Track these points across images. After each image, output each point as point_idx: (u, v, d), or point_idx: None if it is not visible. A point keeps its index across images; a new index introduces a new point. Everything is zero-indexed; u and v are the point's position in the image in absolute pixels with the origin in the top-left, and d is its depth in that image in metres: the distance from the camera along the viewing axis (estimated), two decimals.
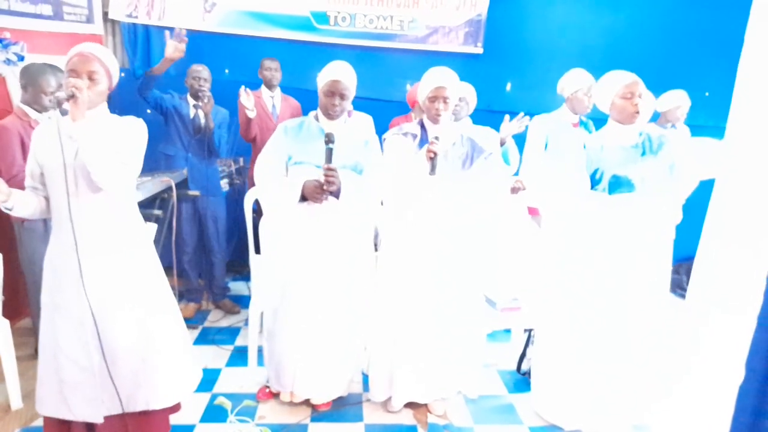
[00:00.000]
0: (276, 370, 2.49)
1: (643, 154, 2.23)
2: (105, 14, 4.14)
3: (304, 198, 2.24)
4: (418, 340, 2.38)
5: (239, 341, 3.24)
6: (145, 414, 2.03)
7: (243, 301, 3.68)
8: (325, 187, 2.18)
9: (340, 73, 2.27)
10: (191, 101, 3.41)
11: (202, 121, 3.37)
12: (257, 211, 3.01)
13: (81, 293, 1.84)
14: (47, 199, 1.91)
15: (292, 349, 2.40)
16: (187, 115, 3.40)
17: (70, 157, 1.79)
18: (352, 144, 2.35)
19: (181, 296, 3.56)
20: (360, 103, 3.53)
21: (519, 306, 2.82)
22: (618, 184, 2.19)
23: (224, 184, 3.90)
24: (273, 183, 2.32)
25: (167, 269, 2.89)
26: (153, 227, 2.75)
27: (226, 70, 4.29)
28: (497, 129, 3.01)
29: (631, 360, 2.28)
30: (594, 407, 2.33)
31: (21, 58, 3.15)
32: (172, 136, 3.41)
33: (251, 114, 3.37)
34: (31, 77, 2.56)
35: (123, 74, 4.03)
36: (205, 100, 3.29)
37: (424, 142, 2.31)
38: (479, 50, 4.27)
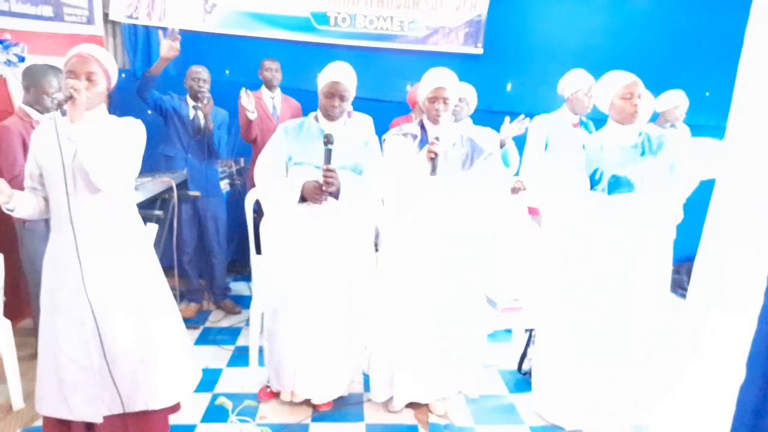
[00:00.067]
0: (276, 370, 2.49)
1: (643, 154, 2.24)
2: (105, 15, 4.14)
3: (303, 199, 2.25)
4: (418, 340, 2.38)
5: (240, 341, 3.24)
6: (144, 414, 2.03)
7: (244, 302, 3.69)
8: (324, 188, 2.18)
9: (339, 74, 2.27)
10: (191, 102, 3.41)
11: (202, 122, 3.37)
12: (258, 212, 3.01)
13: (81, 293, 1.85)
14: (46, 199, 1.91)
15: (292, 349, 2.41)
16: (186, 116, 3.40)
17: (69, 158, 1.79)
18: (351, 145, 2.35)
19: (182, 296, 3.56)
20: (360, 104, 3.53)
21: (520, 306, 2.82)
22: (617, 185, 2.19)
23: (225, 184, 3.91)
24: (273, 183, 2.32)
25: (168, 270, 2.90)
26: (154, 228, 2.75)
27: (227, 71, 4.30)
28: (498, 129, 3.02)
29: (632, 360, 2.28)
30: (594, 407, 2.33)
31: (21, 59, 3.15)
32: (171, 138, 3.41)
33: (252, 116, 3.37)
34: (34, 78, 2.56)
35: (123, 75, 4.09)
36: (205, 101, 3.30)
37: (424, 143, 2.32)
38: (479, 51, 4.27)
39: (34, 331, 2.80)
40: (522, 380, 2.86)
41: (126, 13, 4.15)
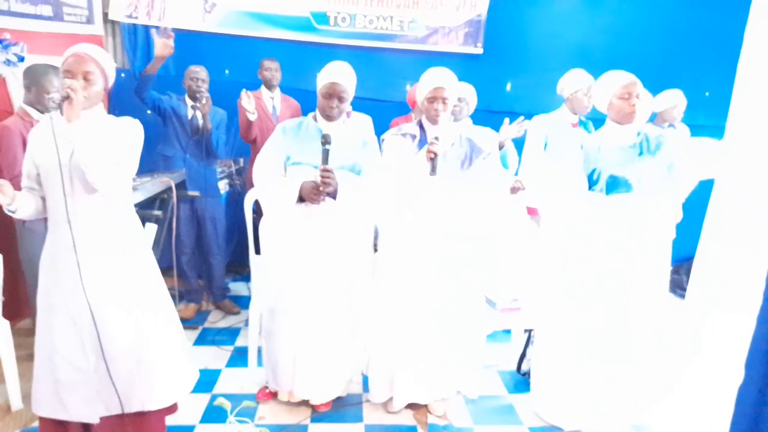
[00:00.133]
0: (274, 370, 2.49)
1: (641, 154, 2.23)
2: (105, 15, 4.14)
3: (301, 199, 2.24)
4: (418, 341, 2.38)
5: (239, 342, 3.24)
6: (140, 415, 2.03)
7: (243, 302, 3.68)
8: (321, 188, 2.18)
9: (338, 75, 2.26)
10: (189, 102, 3.41)
11: (200, 122, 3.37)
12: (257, 212, 3.01)
13: (79, 293, 1.84)
14: (44, 198, 1.91)
15: (290, 349, 2.40)
16: (185, 116, 3.40)
17: (66, 158, 1.79)
18: (350, 145, 2.35)
19: (181, 297, 3.56)
20: (360, 104, 3.53)
21: (519, 306, 2.82)
22: (615, 185, 2.19)
23: (224, 184, 3.90)
24: (271, 183, 2.32)
25: (167, 270, 2.90)
26: (153, 228, 2.75)
27: (226, 71, 4.29)
28: (497, 129, 3.01)
29: (631, 360, 2.28)
30: (593, 407, 2.33)
31: (21, 59, 3.15)
32: (170, 138, 3.41)
33: (252, 117, 3.37)
34: (35, 78, 2.56)
35: (123, 75, 4.08)
36: (203, 101, 3.29)
37: (423, 143, 2.31)
38: (479, 50, 4.27)
39: (33, 332, 2.79)
40: (521, 381, 2.86)
41: (125, 12, 4.15)
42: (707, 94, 4.16)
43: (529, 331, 2.87)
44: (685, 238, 2.57)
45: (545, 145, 3.29)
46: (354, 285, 2.43)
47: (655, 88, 3.43)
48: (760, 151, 1.18)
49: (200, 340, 3.27)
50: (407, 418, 2.52)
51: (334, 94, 2.26)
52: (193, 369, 2.23)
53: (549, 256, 2.46)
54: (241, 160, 4.24)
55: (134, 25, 4.19)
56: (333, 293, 2.37)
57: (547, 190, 2.54)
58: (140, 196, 2.67)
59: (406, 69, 4.21)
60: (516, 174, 3.28)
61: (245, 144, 3.68)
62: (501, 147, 3.03)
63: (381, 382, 2.48)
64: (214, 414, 2.44)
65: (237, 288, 4.03)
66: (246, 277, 4.05)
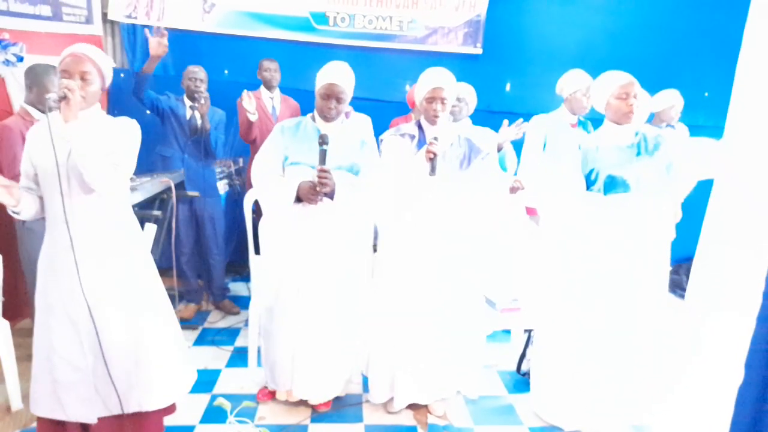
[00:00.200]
0: (272, 369, 2.49)
1: (639, 154, 2.23)
2: (104, 15, 4.14)
3: (299, 199, 2.24)
4: (418, 341, 2.38)
5: (239, 342, 3.24)
6: (138, 415, 2.03)
7: (243, 302, 3.68)
8: (318, 189, 2.18)
9: (336, 75, 2.26)
10: (188, 102, 3.40)
11: (199, 122, 3.37)
12: (257, 212, 3.01)
13: (77, 293, 1.84)
14: (42, 198, 1.91)
15: (288, 348, 2.40)
16: (183, 116, 3.39)
17: (63, 158, 1.79)
18: (348, 145, 2.35)
19: (181, 297, 3.56)
20: (359, 104, 3.53)
21: (519, 306, 2.82)
22: (613, 185, 2.19)
23: (224, 185, 3.90)
24: (269, 183, 2.32)
25: (167, 270, 2.90)
26: (153, 228, 2.75)
27: (226, 71, 4.29)
28: (497, 129, 3.02)
29: (631, 360, 2.28)
30: (593, 407, 2.33)
31: (20, 59, 3.15)
32: (168, 138, 3.41)
33: (253, 117, 3.37)
34: (36, 77, 2.57)
35: (122, 75, 4.08)
36: (202, 101, 3.29)
37: (421, 143, 2.32)
38: (478, 51, 4.28)
39: (32, 332, 2.80)
40: (521, 381, 2.86)
41: (125, 12, 4.15)
42: (707, 94, 4.16)
43: (529, 331, 2.87)
44: (685, 238, 2.57)
45: (544, 145, 3.29)
46: (353, 285, 2.43)
47: (654, 88, 3.43)
48: (759, 151, 1.18)
49: (200, 341, 3.27)
50: (407, 419, 2.52)
51: (332, 95, 2.26)
52: (191, 369, 2.22)
53: (548, 257, 2.46)
54: (241, 161, 4.24)
55: (133, 25, 4.19)
56: (331, 293, 2.37)
57: (545, 190, 2.54)
58: (140, 197, 2.66)
59: (405, 69, 4.21)
60: (515, 174, 3.29)
61: (245, 144, 3.67)
62: (499, 149, 3.03)
63: (381, 382, 2.48)
64: (213, 414, 2.44)
65: (237, 288, 4.03)
66: (246, 278, 4.05)
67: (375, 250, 2.66)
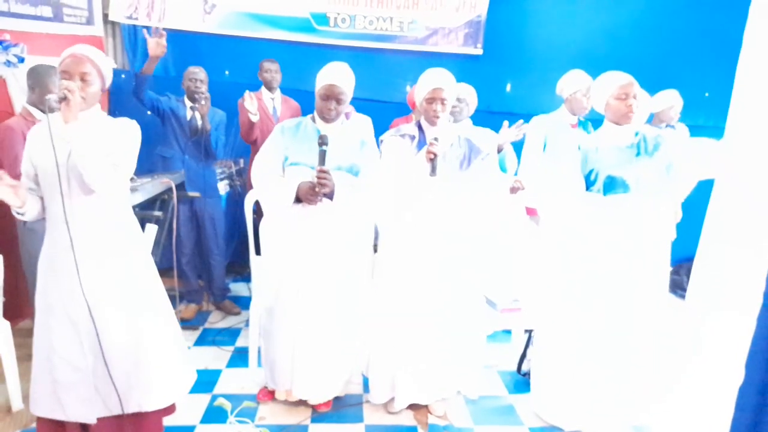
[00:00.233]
0: (271, 369, 2.49)
1: (638, 154, 2.23)
2: (105, 16, 4.15)
3: (299, 199, 2.25)
4: (418, 342, 2.38)
5: (240, 342, 3.24)
6: (137, 415, 2.03)
7: (243, 302, 3.68)
8: (317, 189, 2.18)
9: (336, 77, 2.26)
10: (188, 103, 3.41)
11: (199, 122, 3.37)
12: (258, 213, 3.01)
13: (77, 293, 1.85)
14: (42, 198, 1.91)
15: (287, 348, 2.40)
16: (183, 117, 3.40)
17: (63, 159, 1.79)
18: (348, 145, 2.35)
19: (182, 297, 3.56)
20: (360, 105, 3.53)
21: (519, 307, 2.82)
22: (612, 185, 2.19)
23: (224, 185, 3.90)
24: (269, 184, 2.32)
25: (168, 270, 2.90)
26: (154, 228, 2.75)
27: (226, 72, 4.30)
28: (497, 130, 3.02)
29: (631, 361, 2.28)
30: (593, 408, 2.33)
31: (21, 60, 3.15)
32: (169, 139, 3.41)
33: (255, 118, 3.37)
34: (39, 78, 2.57)
35: (123, 76, 4.09)
36: (202, 102, 3.29)
37: (421, 144, 2.32)
38: (479, 51, 4.28)
39: (33, 332, 2.81)
40: (521, 381, 2.86)
41: (126, 13, 4.16)
42: (707, 94, 4.16)
43: (530, 331, 2.87)
44: (685, 239, 2.57)
45: (544, 145, 3.29)
46: (352, 285, 2.43)
47: (655, 88, 3.43)
48: (760, 151, 1.18)
49: (201, 341, 3.27)
50: (408, 419, 2.52)
51: (331, 96, 2.26)
52: (190, 370, 2.22)
53: (548, 257, 2.46)
54: (242, 161, 4.24)
55: (134, 26, 4.19)
56: (331, 293, 2.37)
57: (545, 190, 2.54)
58: (141, 197, 2.67)
59: (406, 70, 4.21)
60: (515, 174, 3.29)
61: (245, 145, 3.67)
62: (499, 150, 3.03)
63: (381, 382, 2.48)
64: (214, 414, 2.44)
65: (237, 288, 4.03)
66: (246, 278, 4.05)
67: (376, 251, 2.66)
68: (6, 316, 2.44)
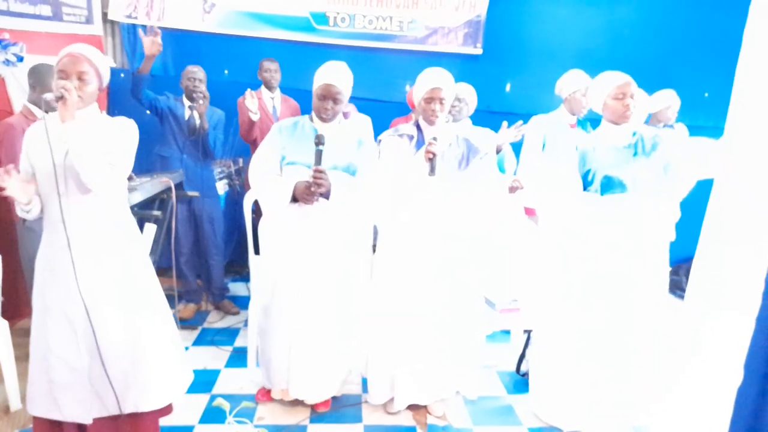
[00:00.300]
0: (267, 368, 2.49)
1: (636, 154, 2.23)
2: (104, 15, 4.15)
3: (296, 199, 2.24)
4: (417, 342, 2.38)
5: (238, 342, 3.23)
6: (134, 416, 2.02)
7: (242, 302, 3.68)
8: (313, 189, 2.18)
9: (333, 76, 2.26)
10: (186, 102, 3.40)
11: (197, 122, 3.36)
12: (257, 212, 3.01)
13: (74, 293, 1.84)
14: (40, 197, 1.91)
15: (284, 347, 2.40)
16: (182, 116, 3.39)
17: (60, 158, 1.78)
18: (345, 145, 2.34)
19: (180, 297, 3.56)
20: (359, 104, 3.53)
21: (518, 307, 2.82)
22: (610, 185, 2.19)
23: (223, 185, 3.90)
24: (266, 183, 2.32)
25: (167, 270, 2.89)
26: (153, 228, 2.74)
27: (226, 71, 4.30)
28: (496, 130, 3.02)
29: (630, 361, 2.28)
30: (593, 408, 2.33)
31: (20, 59, 3.15)
32: (167, 138, 3.40)
33: (255, 117, 3.36)
34: (40, 77, 2.57)
35: (123, 75, 4.08)
36: (200, 101, 3.29)
37: (420, 144, 2.32)
38: (478, 51, 4.28)
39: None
40: (520, 381, 2.86)
41: (125, 12, 4.16)
42: (706, 94, 4.16)
43: (529, 331, 2.87)
44: (685, 238, 2.56)
45: (543, 145, 3.29)
46: (349, 285, 2.42)
47: (654, 88, 3.44)
48: (759, 151, 1.18)
49: (199, 341, 3.27)
50: (407, 419, 2.51)
51: (328, 95, 2.25)
52: (187, 370, 2.21)
53: (547, 257, 2.46)
54: (241, 161, 4.24)
55: (134, 25, 4.19)
56: (327, 293, 2.36)
57: (544, 190, 2.54)
58: (139, 197, 2.66)
59: (405, 69, 4.21)
60: (514, 174, 3.28)
61: (244, 144, 3.67)
62: (498, 150, 3.03)
63: (380, 383, 2.48)
64: (213, 414, 2.44)
65: (236, 288, 4.03)
66: (245, 278, 4.05)
67: (375, 251, 2.66)
68: (5, 315, 2.43)
